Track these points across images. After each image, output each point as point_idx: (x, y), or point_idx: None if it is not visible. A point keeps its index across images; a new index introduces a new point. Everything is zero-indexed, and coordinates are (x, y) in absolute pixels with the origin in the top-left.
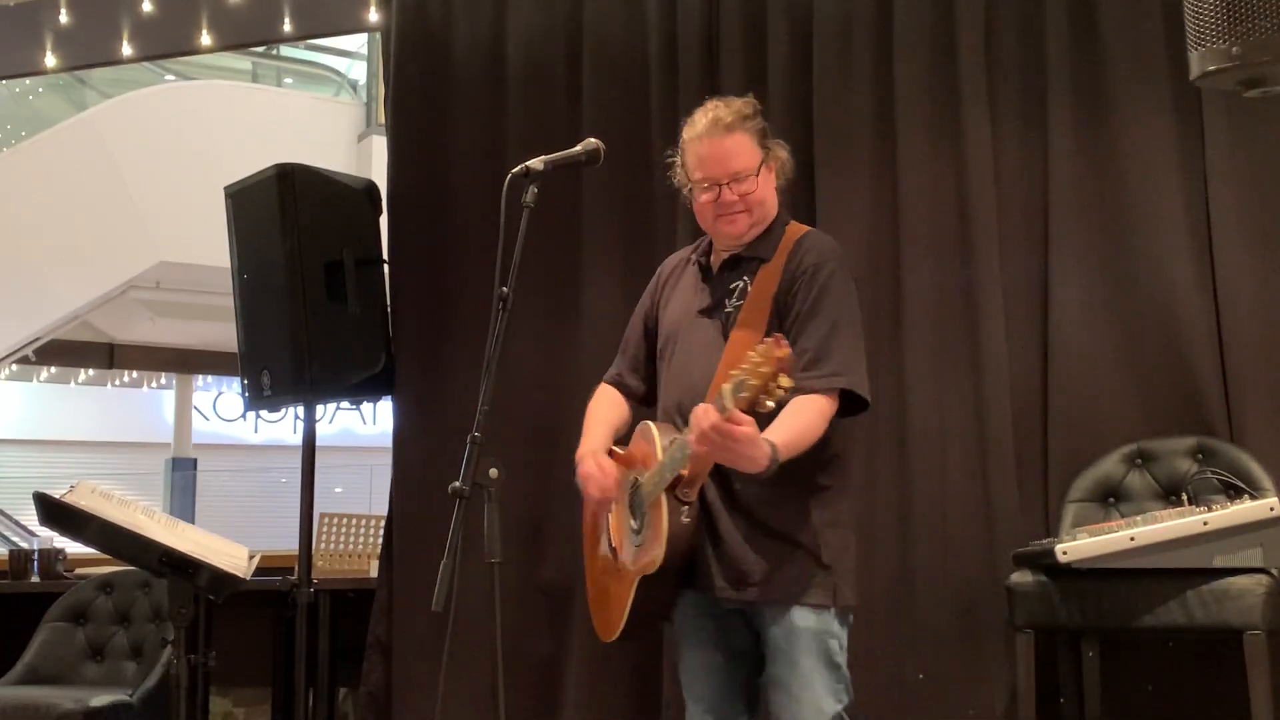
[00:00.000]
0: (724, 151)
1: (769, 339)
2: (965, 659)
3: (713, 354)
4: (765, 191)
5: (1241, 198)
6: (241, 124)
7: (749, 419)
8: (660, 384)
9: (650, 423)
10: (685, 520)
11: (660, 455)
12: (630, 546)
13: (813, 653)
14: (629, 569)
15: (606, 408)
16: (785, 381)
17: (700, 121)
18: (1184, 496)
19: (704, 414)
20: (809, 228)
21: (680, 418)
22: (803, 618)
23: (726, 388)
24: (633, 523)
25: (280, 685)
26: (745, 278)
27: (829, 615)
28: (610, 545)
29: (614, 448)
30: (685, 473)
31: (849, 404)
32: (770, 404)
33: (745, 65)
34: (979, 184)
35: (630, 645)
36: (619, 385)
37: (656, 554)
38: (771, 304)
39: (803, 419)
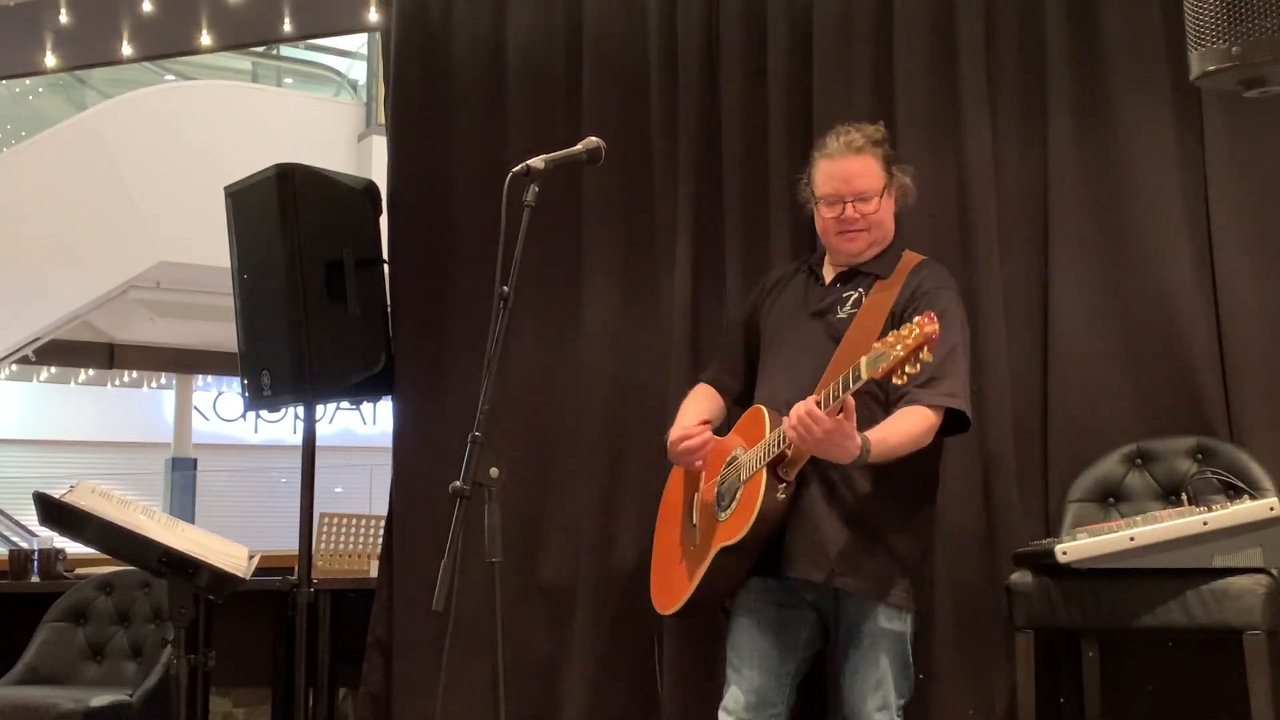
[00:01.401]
0: (851, 171)
1: (921, 315)
2: (965, 659)
3: (821, 355)
4: (885, 215)
5: (1241, 198)
6: (241, 124)
7: (850, 409)
8: (762, 380)
9: (762, 406)
10: (780, 497)
11: (768, 434)
12: (714, 519)
13: (890, 651)
14: (710, 540)
15: (700, 398)
16: (927, 356)
17: (832, 143)
18: (1184, 496)
19: (801, 403)
20: (925, 256)
21: (786, 409)
22: (886, 617)
23: (864, 359)
24: (722, 497)
25: (280, 685)
26: (860, 289)
27: (906, 617)
28: (693, 520)
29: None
30: (789, 453)
31: (950, 426)
32: (904, 378)
33: (745, 65)
34: (979, 184)
35: (631, 645)
36: (714, 383)
37: (744, 524)
38: (888, 317)
39: (904, 425)
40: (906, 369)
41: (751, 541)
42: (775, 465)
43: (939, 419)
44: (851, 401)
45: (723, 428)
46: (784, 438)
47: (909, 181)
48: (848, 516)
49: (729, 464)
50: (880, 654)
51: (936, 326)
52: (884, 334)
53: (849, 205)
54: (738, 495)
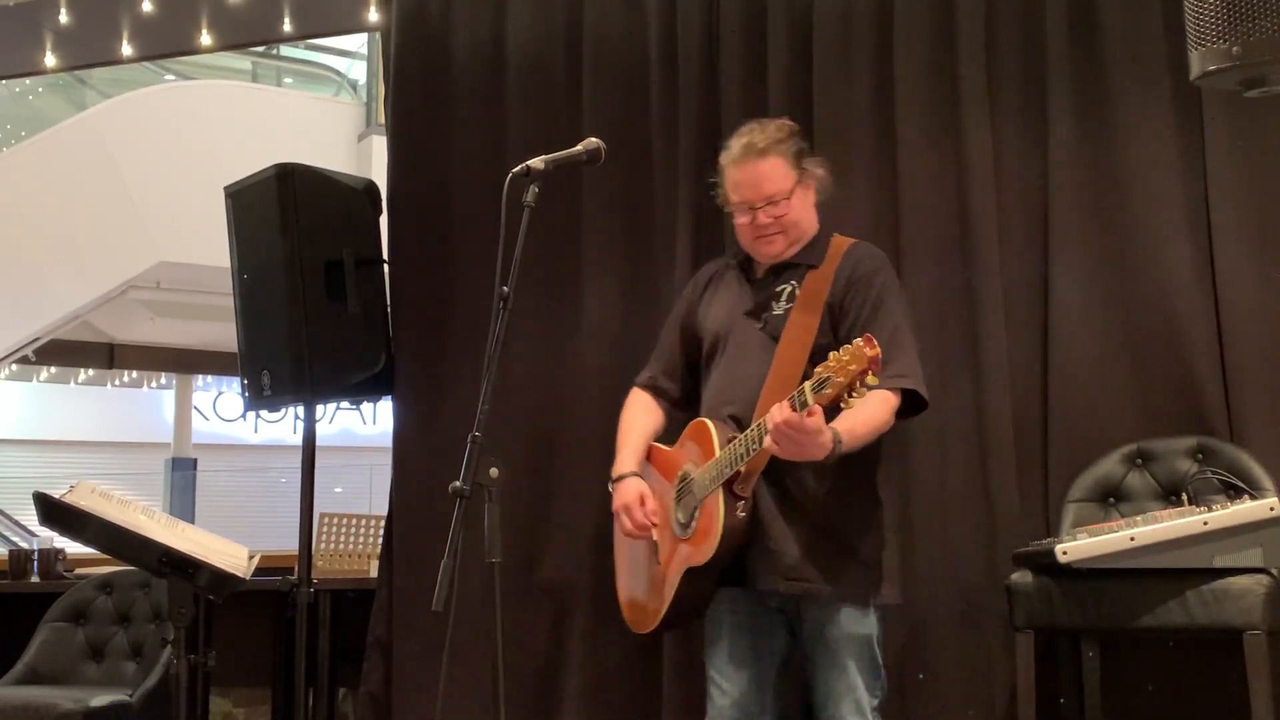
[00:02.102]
0: (757, 176)
1: (860, 339)
2: (965, 659)
3: (762, 355)
4: (800, 212)
5: (1241, 198)
6: (241, 124)
7: (817, 409)
8: (706, 385)
9: (707, 420)
10: (741, 515)
11: (718, 452)
12: (675, 540)
13: (856, 652)
14: (675, 562)
15: (642, 416)
16: (872, 380)
17: (735, 147)
18: (1184, 496)
19: (777, 411)
20: (855, 239)
21: (733, 419)
22: (849, 618)
23: (808, 385)
24: (680, 517)
25: (280, 685)
26: (793, 282)
27: (872, 615)
28: (650, 543)
29: (655, 444)
30: (743, 469)
31: (906, 407)
32: (854, 401)
33: (745, 65)
34: (979, 184)
35: (631, 645)
36: (653, 389)
37: (709, 547)
38: (824, 309)
39: (868, 411)
40: (852, 396)
41: (718, 562)
42: (730, 483)
43: (899, 400)
44: (818, 407)
45: (666, 435)
46: (744, 455)
47: (823, 173)
48: (802, 521)
49: (682, 481)
50: (847, 659)
51: (878, 350)
52: (822, 326)
53: (759, 212)
54: (696, 515)
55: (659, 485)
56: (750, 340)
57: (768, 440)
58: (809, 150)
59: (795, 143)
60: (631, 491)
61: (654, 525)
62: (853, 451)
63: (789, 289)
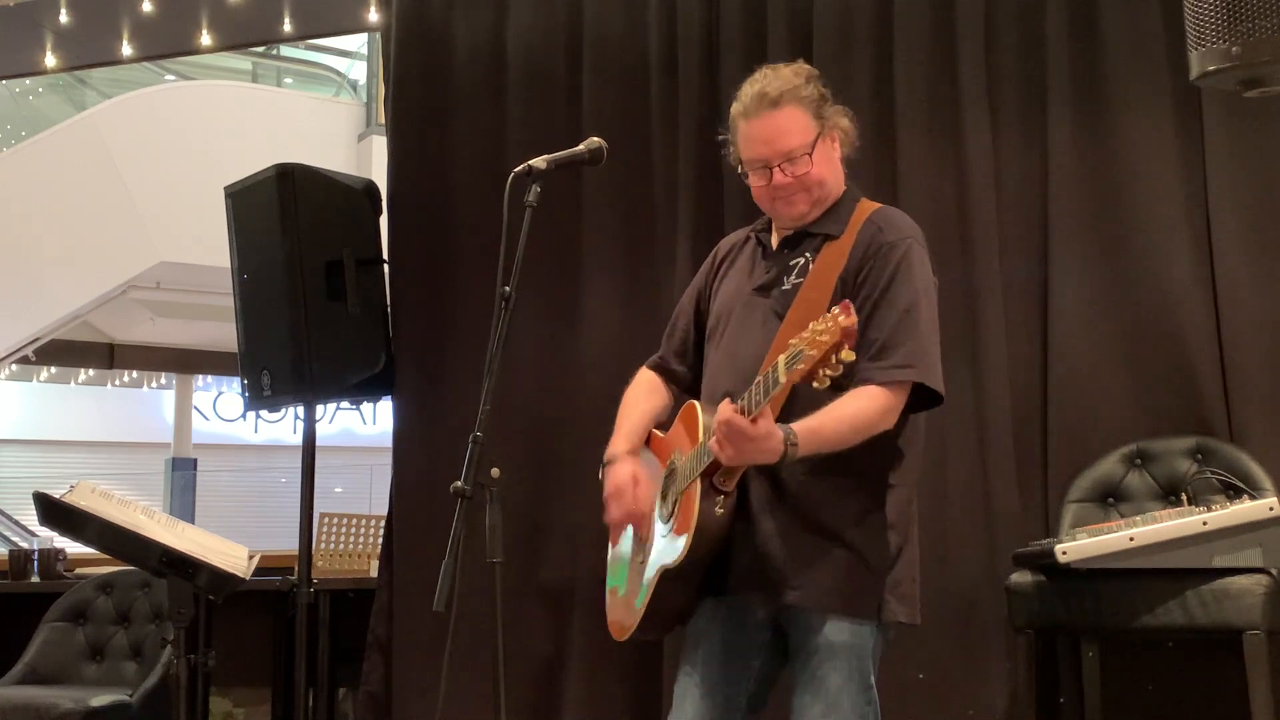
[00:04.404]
0: (773, 130)
1: (836, 306)
2: (965, 659)
3: (766, 334)
4: (824, 169)
5: (1241, 198)
6: (241, 124)
7: (767, 412)
8: (706, 365)
9: (696, 402)
10: (719, 511)
11: (701, 437)
12: (658, 537)
13: (842, 671)
14: (652, 561)
15: (645, 394)
16: (847, 355)
17: (746, 96)
18: (1184, 496)
19: (725, 407)
20: (882, 204)
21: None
22: (837, 632)
23: (782, 358)
24: (663, 510)
25: (280, 685)
26: (808, 254)
27: (867, 631)
28: (638, 536)
29: (655, 431)
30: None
31: (921, 397)
32: (827, 380)
33: (745, 65)
34: (979, 184)
35: (631, 645)
36: (661, 370)
37: (681, 546)
38: (837, 283)
39: (845, 410)
40: (826, 371)
41: (691, 564)
42: (711, 474)
43: (898, 397)
44: (767, 408)
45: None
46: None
47: (848, 123)
48: (796, 521)
49: (669, 470)
50: (829, 672)
51: (854, 319)
52: (831, 304)
53: (776, 170)
54: (676, 509)
55: (656, 473)
56: (754, 318)
57: (711, 443)
58: (831, 97)
59: (816, 88)
60: (623, 473)
61: (643, 513)
62: (824, 452)
63: (802, 262)
